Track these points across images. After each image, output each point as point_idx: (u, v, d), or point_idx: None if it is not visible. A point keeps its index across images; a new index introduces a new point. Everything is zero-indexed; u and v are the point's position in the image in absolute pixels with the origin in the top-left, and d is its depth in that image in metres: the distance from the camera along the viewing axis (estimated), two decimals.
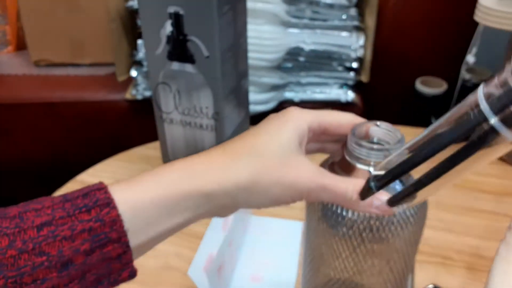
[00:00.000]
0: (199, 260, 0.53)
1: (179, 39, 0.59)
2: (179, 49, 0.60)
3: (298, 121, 0.34)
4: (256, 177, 0.32)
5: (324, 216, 0.41)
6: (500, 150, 0.26)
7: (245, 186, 0.32)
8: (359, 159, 0.37)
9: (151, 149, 0.85)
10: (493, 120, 0.24)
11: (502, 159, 0.84)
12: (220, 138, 0.67)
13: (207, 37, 0.58)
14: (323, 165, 0.40)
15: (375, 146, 0.36)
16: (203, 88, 0.62)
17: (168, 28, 0.58)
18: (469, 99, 0.26)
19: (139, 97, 1.12)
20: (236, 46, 0.64)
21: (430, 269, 0.63)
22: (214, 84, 0.61)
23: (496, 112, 0.24)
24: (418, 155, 0.30)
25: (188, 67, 0.61)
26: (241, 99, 0.70)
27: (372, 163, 0.37)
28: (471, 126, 0.25)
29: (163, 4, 0.57)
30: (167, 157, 0.73)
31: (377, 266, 0.42)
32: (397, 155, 0.32)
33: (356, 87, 1.15)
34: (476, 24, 0.92)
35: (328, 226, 0.41)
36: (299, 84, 1.15)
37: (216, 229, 0.57)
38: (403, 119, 1.27)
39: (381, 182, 0.32)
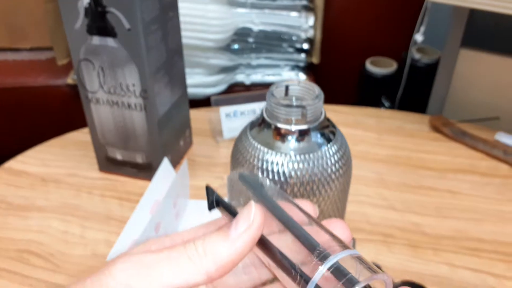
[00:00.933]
0: (120, 245, 0.49)
1: (97, 11, 0.55)
2: (98, 22, 0.55)
3: None
4: None
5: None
6: None
7: None
8: (279, 119, 0.35)
9: (84, 134, 0.81)
10: None
11: (446, 134, 0.84)
12: (151, 119, 0.63)
13: (127, 8, 0.53)
14: None
15: (294, 103, 0.34)
16: (127, 64, 0.58)
17: None
18: None
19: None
20: (164, 19, 0.60)
21: (371, 248, 0.61)
22: (139, 59, 0.57)
23: None
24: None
25: (110, 41, 0.57)
26: (175, 77, 0.67)
27: (292, 121, 0.35)
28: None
29: None
30: (97, 141, 0.69)
31: None
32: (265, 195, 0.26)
33: (308, 68, 1.13)
34: (423, 1, 0.91)
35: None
36: (249, 66, 1.12)
37: (142, 213, 0.53)
38: (354, 99, 1.26)
39: (221, 207, 0.27)
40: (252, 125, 0.39)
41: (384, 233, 0.63)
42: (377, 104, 1.09)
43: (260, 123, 0.37)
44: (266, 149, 0.36)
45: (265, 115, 0.37)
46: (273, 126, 0.36)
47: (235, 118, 0.80)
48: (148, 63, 0.58)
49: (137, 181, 0.71)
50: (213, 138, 0.82)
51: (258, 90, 0.94)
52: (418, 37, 1.03)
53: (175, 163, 0.72)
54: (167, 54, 0.63)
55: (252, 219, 0.21)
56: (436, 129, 0.86)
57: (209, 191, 0.26)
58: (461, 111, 0.92)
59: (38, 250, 0.60)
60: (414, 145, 0.82)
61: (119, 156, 0.69)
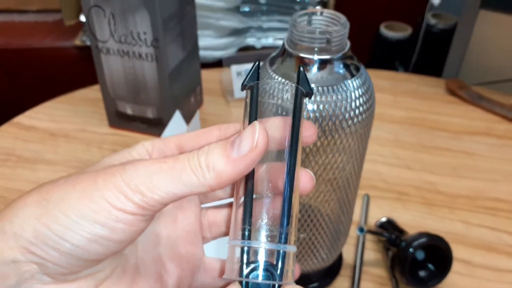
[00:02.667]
0: None
1: None
2: None
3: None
4: None
5: None
6: None
7: None
8: (301, 48, 0.33)
9: (94, 91, 0.79)
10: None
11: (462, 97, 0.82)
12: (162, 70, 0.61)
13: None
14: None
15: (318, 31, 0.32)
16: (139, 10, 0.56)
17: None
18: None
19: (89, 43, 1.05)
20: None
21: (385, 205, 0.60)
22: (151, 5, 0.55)
23: None
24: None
25: None
26: (186, 28, 0.65)
27: (316, 50, 0.33)
28: None
29: None
30: (107, 95, 0.67)
31: (325, 172, 0.38)
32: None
33: None
34: None
35: None
36: (260, 29, 1.09)
37: None
38: (368, 63, 1.23)
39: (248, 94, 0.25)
40: (272, 60, 0.37)
41: (399, 191, 0.62)
42: (391, 68, 1.06)
43: (281, 55, 0.36)
44: (287, 82, 0.34)
45: (286, 46, 0.35)
46: (294, 56, 0.34)
47: None
48: (160, 9, 0.56)
49: (147, 136, 0.69)
50: (224, 97, 0.80)
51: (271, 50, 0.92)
52: (435, 1, 1.00)
53: (186, 120, 0.71)
54: (179, 2, 0.61)
55: (256, 142, 0.21)
56: (452, 92, 0.84)
57: (254, 67, 0.25)
58: (477, 75, 0.89)
59: None
60: (429, 107, 0.80)
61: (129, 110, 0.68)
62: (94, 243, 0.20)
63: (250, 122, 0.23)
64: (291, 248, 0.22)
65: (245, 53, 0.80)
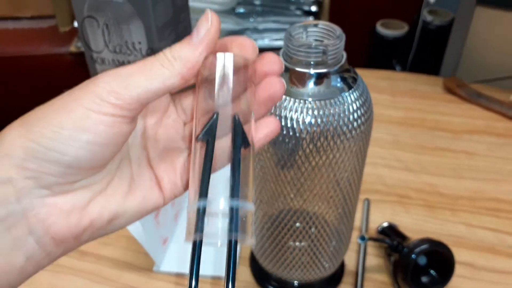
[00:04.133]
0: None
1: None
2: None
3: None
4: None
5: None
6: None
7: None
8: (297, 62, 0.33)
9: None
10: None
11: (460, 96, 0.81)
12: None
13: None
14: None
15: (313, 45, 0.32)
16: (133, 20, 0.56)
17: None
18: None
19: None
20: None
21: (387, 208, 0.59)
22: (145, 14, 0.55)
23: None
24: None
25: None
26: (181, 36, 0.64)
27: (312, 64, 0.32)
28: None
29: None
30: None
31: (324, 185, 0.38)
32: None
33: None
34: None
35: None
36: (256, 30, 1.08)
37: None
38: (365, 62, 1.23)
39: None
40: None
41: (400, 194, 0.62)
42: (388, 67, 1.06)
43: None
44: (283, 97, 0.34)
45: (282, 60, 0.34)
46: (290, 70, 0.34)
47: None
48: (155, 18, 0.55)
49: None
50: None
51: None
52: None
53: None
54: (173, 10, 0.60)
55: (210, 23, 0.23)
56: (450, 90, 0.84)
57: (212, 120, 0.25)
58: (475, 73, 0.89)
59: None
60: (428, 106, 0.80)
61: None
62: (81, 149, 0.21)
63: (203, 176, 0.23)
64: (248, 206, 0.22)
65: None
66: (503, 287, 0.49)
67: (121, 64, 0.60)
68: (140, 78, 0.22)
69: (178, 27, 0.62)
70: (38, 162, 0.21)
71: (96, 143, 0.21)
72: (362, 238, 0.46)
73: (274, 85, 0.25)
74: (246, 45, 0.25)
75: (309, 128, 0.34)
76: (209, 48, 0.23)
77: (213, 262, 0.50)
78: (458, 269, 0.51)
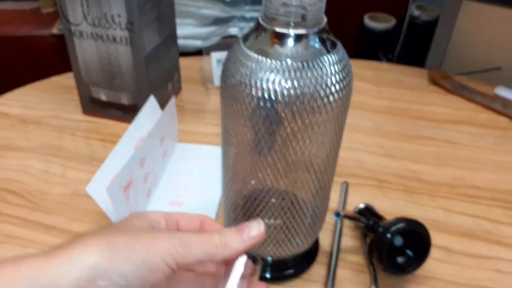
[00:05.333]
0: (100, 177, 0.46)
1: None
2: None
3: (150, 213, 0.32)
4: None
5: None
6: None
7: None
8: (276, 22, 0.31)
9: (69, 78, 0.77)
10: None
11: (445, 87, 0.81)
12: (137, 54, 0.59)
13: None
14: None
15: (293, 3, 0.31)
16: None
17: None
18: None
19: None
20: None
21: (365, 192, 0.59)
22: None
23: None
24: None
25: None
26: (164, 13, 0.63)
27: (291, 24, 0.31)
28: None
29: None
30: (81, 80, 0.65)
31: (300, 153, 0.36)
32: None
33: None
34: None
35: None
36: (243, 19, 1.07)
37: (125, 147, 0.50)
38: (352, 54, 1.22)
39: None
40: (245, 36, 0.35)
41: (380, 178, 0.61)
42: (374, 59, 1.05)
43: (255, 31, 0.34)
44: (261, 58, 0.33)
45: (261, 21, 0.33)
46: (269, 31, 0.32)
47: None
48: None
49: (121, 124, 0.67)
50: (203, 86, 0.79)
51: None
52: None
53: (162, 107, 0.69)
54: None
55: (262, 228, 0.30)
56: (434, 82, 0.84)
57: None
58: (460, 67, 0.89)
59: (17, 188, 0.57)
60: (412, 97, 0.80)
61: (103, 96, 0.66)
62: (140, 283, 0.27)
63: None
64: None
65: (226, 40, 0.79)
66: (479, 271, 0.49)
67: (100, 38, 0.59)
68: (197, 248, 0.28)
69: (160, 3, 0.61)
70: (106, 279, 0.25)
71: (150, 282, 0.27)
72: (337, 214, 0.45)
73: None
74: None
75: (285, 92, 0.33)
76: (248, 249, 0.29)
77: None
78: (434, 253, 0.50)
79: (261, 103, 0.34)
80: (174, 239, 0.28)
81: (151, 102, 0.57)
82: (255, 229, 0.30)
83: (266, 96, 0.33)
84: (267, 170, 0.38)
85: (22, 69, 1.11)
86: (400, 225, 0.44)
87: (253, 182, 0.40)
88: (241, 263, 0.30)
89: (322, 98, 0.33)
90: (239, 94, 0.35)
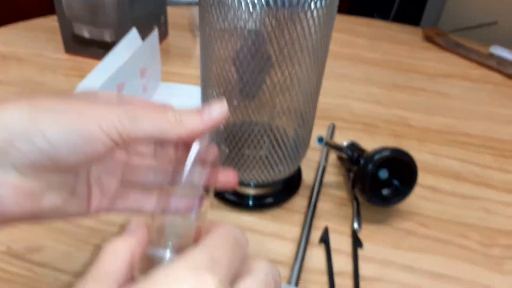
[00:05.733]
0: (88, 81, 0.44)
1: None
2: None
3: None
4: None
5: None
6: None
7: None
8: None
9: (53, 21, 0.74)
10: None
11: (440, 45, 0.79)
12: None
13: None
14: None
15: None
16: None
17: None
18: None
19: None
20: None
21: (352, 135, 0.57)
22: None
23: None
24: None
25: None
26: None
27: None
28: None
29: None
30: (63, 15, 0.63)
31: (279, 73, 0.35)
32: None
33: None
34: None
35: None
36: None
37: (100, 74, 0.48)
38: (349, 11, 1.20)
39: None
40: None
41: (368, 123, 0.59)
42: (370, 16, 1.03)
43: None
44: None
45: None
46: None
47: None
48: None
49: None
50: (190, 32, 0.76)
51: None
52: None
53: None
54: None
55: (224, 109, 0.27)
56: (429, 39, 0.82)
57: None
58: (455, 23, 0.87)
59: None
60: (406, 52, 0.78)
61: (86, 33, 0.63)
62: (72, 154, 0.23)
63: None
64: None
65: None
66: (465, 210, 0.47)
67: None
68: (146, 122, 0.25)
69: None
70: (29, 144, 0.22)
71: (87, 154, 0.24)
72: (320, 139, 0.44)
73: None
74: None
75: (263, 14, 0.31)
76: (210, 129, 0.26)
77: None
78: (421, 191, 0.49)
79: (243, 16, 0.32)
80: (118, 110, 0.24)
81: (133, 33, 0.54)
82: (217, 108, 0.27)
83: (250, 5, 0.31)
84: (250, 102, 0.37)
85: (11, 12, 1.08)
86: (385, 153, 0.43)
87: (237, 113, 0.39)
88: (198, 144, 0.27)
89: (301, 19, 0.32)
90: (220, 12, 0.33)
